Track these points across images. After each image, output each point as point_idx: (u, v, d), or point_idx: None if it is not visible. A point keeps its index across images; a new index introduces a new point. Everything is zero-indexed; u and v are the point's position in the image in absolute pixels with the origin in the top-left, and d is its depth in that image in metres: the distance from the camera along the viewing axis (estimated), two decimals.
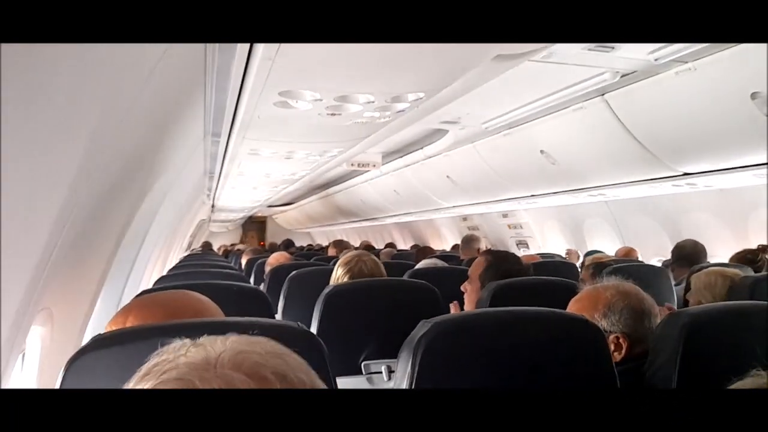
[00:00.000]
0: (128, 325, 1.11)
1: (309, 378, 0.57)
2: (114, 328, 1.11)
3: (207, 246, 10.48)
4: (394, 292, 2.15)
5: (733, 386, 0.72)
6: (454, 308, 2.24)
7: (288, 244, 8.52)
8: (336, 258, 3.76)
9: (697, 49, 2.34)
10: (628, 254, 4.69)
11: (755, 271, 2.85)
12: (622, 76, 2.72)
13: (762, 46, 2.22)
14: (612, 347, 1.51)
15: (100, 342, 0.98)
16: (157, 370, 0.53)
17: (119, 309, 1.24)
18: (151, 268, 5.26)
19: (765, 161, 2.97)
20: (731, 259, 3.30)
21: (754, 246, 3.50)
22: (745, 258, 3.20)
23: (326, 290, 2.04)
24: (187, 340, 0.57)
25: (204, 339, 0.57)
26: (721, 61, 2.41)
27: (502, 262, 2.36)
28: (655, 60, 2.49)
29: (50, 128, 1.13)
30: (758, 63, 2.34)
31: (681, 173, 3.43)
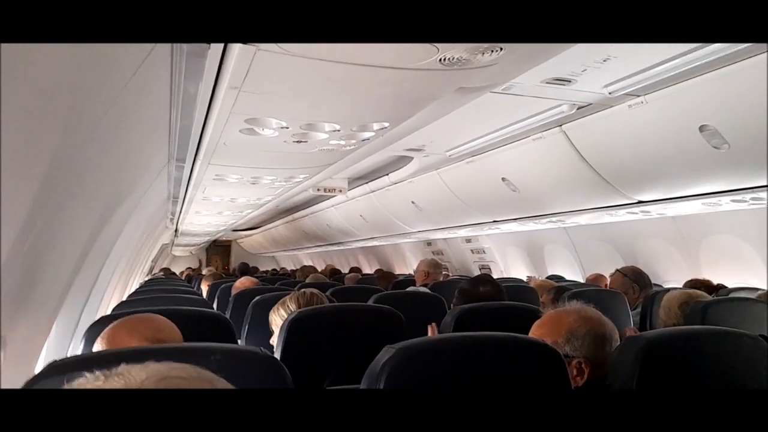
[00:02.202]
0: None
1: None
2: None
3: (167, 272, 10.25)
4: (359, 317, 2.14)
5: None
6: (431, 331, 2.25)
7: (243, 270, 8.36)
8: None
9: (649, 83, 2.45)
10: (596, 280, 4.76)
11: None
12: (578, 108, 2.82)
13: (710, 81, 2.34)
14: (574, 372, 1.54)
15: (54, 368, 0.96)
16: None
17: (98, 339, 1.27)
18: (110, 294, 5.12)
19: (713, 190, 3.10)
20: (685, 285, 3.41)
21: (704, 272, 3.63)
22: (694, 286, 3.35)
23: (290, 315, 2.03)
24: (105, 371, 0.54)
25: (122, 368, 0.54)
26: (671, 95, 2.53)
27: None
28: (609, 93, 2.60)
29: (11, 148, 1.11)
30: (706, 97, 2.46)
31: (635, 201, 3.55)
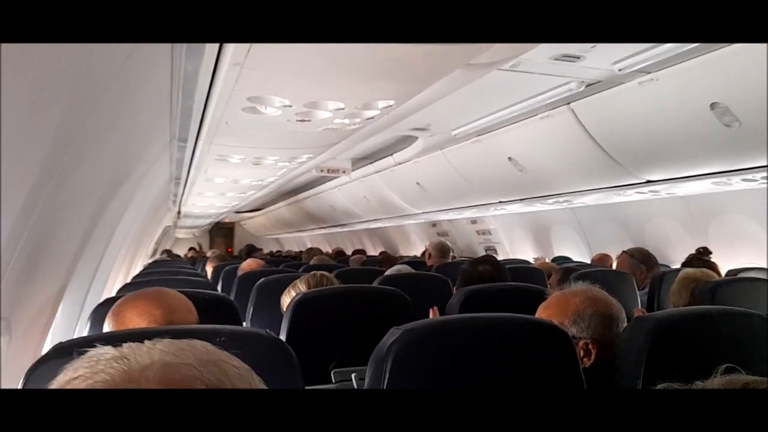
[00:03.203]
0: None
1: (251, 387, 0.53)
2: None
3: (169, 254, 10.27)
4: (365, 299, 2.14)
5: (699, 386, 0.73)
6: (432, 313, 2.24)
7: (250, 250, 8.38)
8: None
9: (660, 60, 2.40)
10: (602, 260, 4.75)
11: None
12: (587, 86, 2.77)
13: (721, 57, 2.29)
14: (581, 353, 1.53)
15: (60, 350, 0.95)
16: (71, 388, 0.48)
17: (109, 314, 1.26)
18: (114, 276, 5.13)
19: (723, 169, 3.06)
20: (683, 265, 3.39)
21: (713, 252, 3.60)
22: (694, 259, 3.34)
23: (296, 297, 2.02)
24: (108, 348, 0.52)
25: (127, 348, 0.51)
26: (682, 72, 2.48)
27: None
28: (619, 70, 2.55)
29: (12, 129, 1.09)
30: (717, 74, 2.41)
31: (644, 180, 3.51)
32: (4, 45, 0.86)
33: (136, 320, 1.29)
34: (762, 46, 2.13)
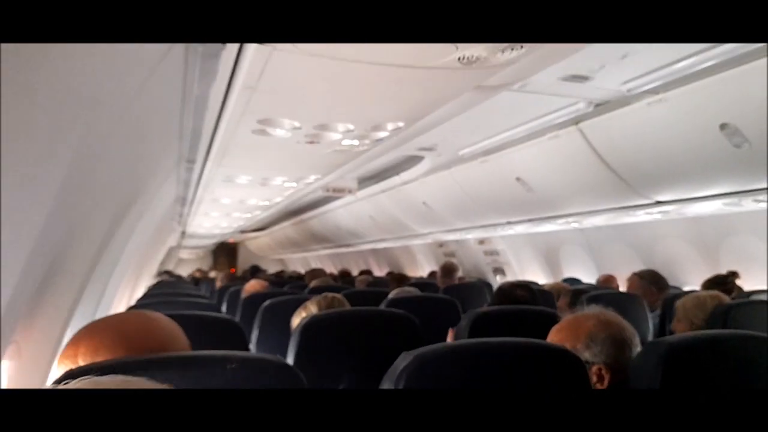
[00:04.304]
0: (80, 357, 0.99)
1: None
2: (65, 361, 1.00)
3: (170, 274, 10.24)
4: (373, 322, 2.11)
5: None
6: (450, 335, 2.24)
7: (254, 271, 8.38)
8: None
9: (669, 81, 2.40)
10: (607, 281, 4.71)
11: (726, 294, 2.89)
12: (595, 106, 2.77)
13: (730, 78, 2.29)
14: (594, 378, 1.50)
15: (71, 377, 0.93)
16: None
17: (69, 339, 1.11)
18: (119, 298, 5.12)
19: (734, 190, 3.04)
20: (702, 286, 3.34)
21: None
22: (715, 282, 3.26)
23: (304, 319, 2.00)
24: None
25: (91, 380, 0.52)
26: (691, 92, 2.48)
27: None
28: (628, 91, 2.55)
29: (32, 154, 1.09)
30: (727, 95, 2.41)
31: (654, 201, 3.49)
32: (28, 69, 0.87)
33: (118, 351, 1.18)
34: None
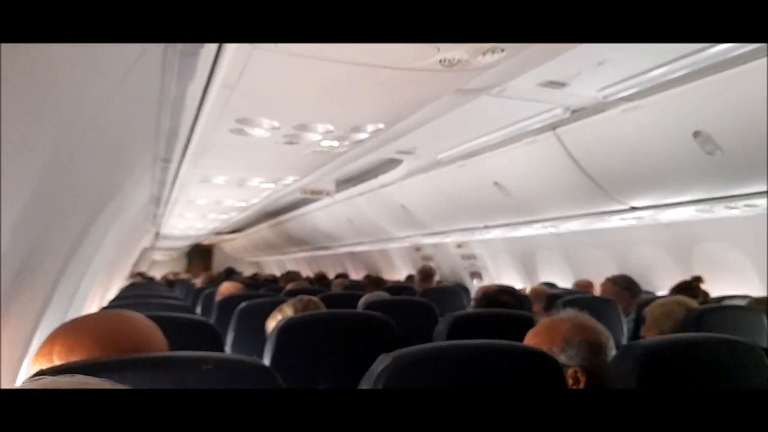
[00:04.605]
0: (55, 355, 0.97)
1: None
2: (40, 359, 0.98)
3: (142, 276, 10.08)
4: (350, 325, 2.10)
5: None
6: None
7: (229, 273, 8.31)
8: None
9: (644, 88, 2.44)
10: (585, 286, 4.76)
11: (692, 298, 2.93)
12: (572, 112, 2.81)
13: (704, 86, 2.33)
14: (570, 381, 1.51)
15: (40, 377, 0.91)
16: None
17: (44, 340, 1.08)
18: (91, 300, 5.02)
19: (707, 197, 3.10)
20: (670, 292, 3.39)
21: None
22: (681, 287, 3.32)
23: (281, 322, 1.98)
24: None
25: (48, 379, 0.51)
26: (665, 100, 2.52)
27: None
28: (604, 97, 2.59)
29: (4, 152, 1.06)
30: (700, 103, 2.45)
31: (629, 207, 3.54)
32: (3, 67, 0.84)
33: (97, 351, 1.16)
34: (742, 76, 2.18)
